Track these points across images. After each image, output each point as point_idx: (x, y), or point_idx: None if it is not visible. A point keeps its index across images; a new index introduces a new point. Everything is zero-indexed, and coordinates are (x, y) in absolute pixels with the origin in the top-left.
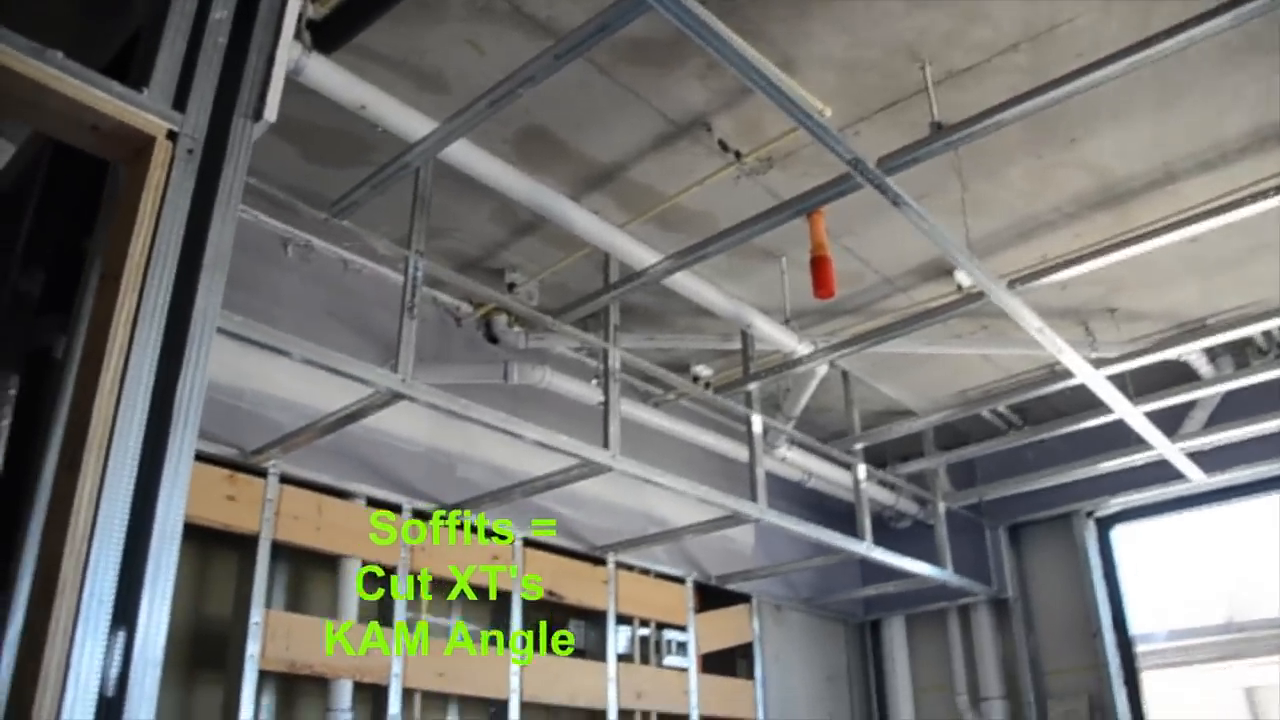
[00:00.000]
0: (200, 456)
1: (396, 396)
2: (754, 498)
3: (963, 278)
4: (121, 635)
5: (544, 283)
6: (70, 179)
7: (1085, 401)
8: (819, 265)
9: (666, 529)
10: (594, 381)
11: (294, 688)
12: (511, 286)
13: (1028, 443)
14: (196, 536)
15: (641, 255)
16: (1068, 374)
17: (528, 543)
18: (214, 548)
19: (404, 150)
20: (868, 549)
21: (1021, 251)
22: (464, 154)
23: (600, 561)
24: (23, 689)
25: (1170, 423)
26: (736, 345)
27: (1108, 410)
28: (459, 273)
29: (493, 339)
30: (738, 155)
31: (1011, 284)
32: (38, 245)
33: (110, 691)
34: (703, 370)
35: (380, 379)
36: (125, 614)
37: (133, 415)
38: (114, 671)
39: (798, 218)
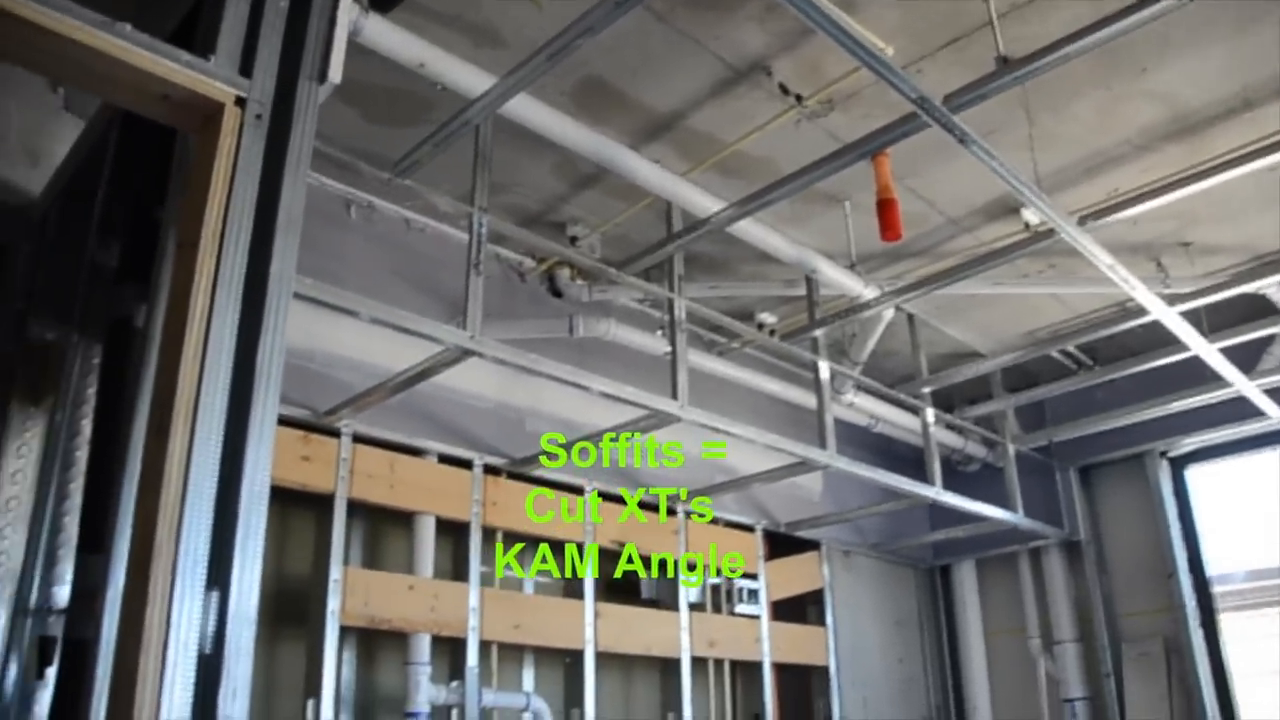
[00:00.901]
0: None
1: (466, 353)
2: (822, 444)
3: (1030, 216)
4: (216, 595)
5: (606, 235)
6: (140, 151)
7: (1158, 339)
8: (885, 208)
9: (735, 478)
10: (659, 332)
11: (374, 642)
12: (574, 240)
13: (1098, 383)
14: (274, 497)
15: (704, 203)
16: (1140, 311)
17: (599, 495)
18: (291, 508)
19: (464, 107)
20: (937, 493)
21: (1090, 188)
22: (524, 108)
23: (671, 512)
24: (126, 649)
25: (1247, 359)
26: (801, 291)
27: (1182, 348)
28: (525, 223)
29: (556, 293)
30: (799, 99)
31: (1082, 220)
32: (112, 218)
33: (208, 649)
34: (767, 318)
35: (449, 336)
36: (218, 574)
37: (217, 380)
38: (210, 630)
39: (862, 160)
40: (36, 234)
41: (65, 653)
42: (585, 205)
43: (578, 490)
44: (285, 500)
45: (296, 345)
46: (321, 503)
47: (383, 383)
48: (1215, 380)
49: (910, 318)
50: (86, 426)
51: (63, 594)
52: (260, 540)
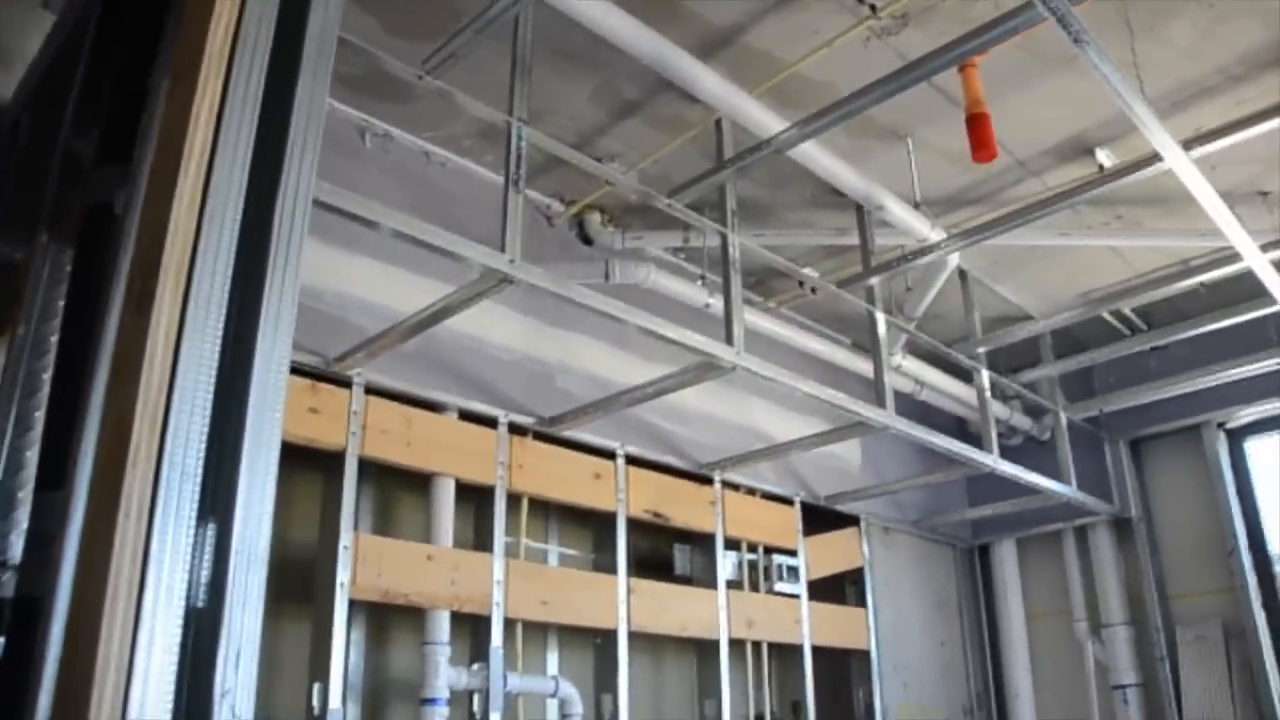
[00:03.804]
0: None
1: (503, 281)
2: (880, 402)
3: (1104, 157)
4: (213, 527)
5: (645, 173)
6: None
7: (1217, 301)
8: (977, 124)
9: (775, 444)
10: (699, 281)
11: (387, 619)
12: (609, 182)
13: (1153, 346)
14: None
15: (766, 121)
16: (1206, 268)
17: (631, 460)
18: (295, 467)
19: None
20: (995, 461)
21: (1172, 125)
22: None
23: (706, 480)
24: (85, 599)
25: None
26: (851, 241)
27: (1243, 310)
28: (551, 165)
29: (587, 240)
30: (873, 9)
31: (1188, 144)
32: (93, 97)
33: (201, 600)
34: (810, 272)
35: (485, 258)
36: (217, 497)
37: (220, 234)
38: (204, 574)
39: (949, 68)
40: (6, 142)
41: (16, 614)
42: (624, 138)
43: (609, 455)
44: (288, 458)
45: (304, 284)
46: (330, 461)
47: (400, 322)
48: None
49: (963, 274)
50: (55, 344)
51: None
52: (275, 453)
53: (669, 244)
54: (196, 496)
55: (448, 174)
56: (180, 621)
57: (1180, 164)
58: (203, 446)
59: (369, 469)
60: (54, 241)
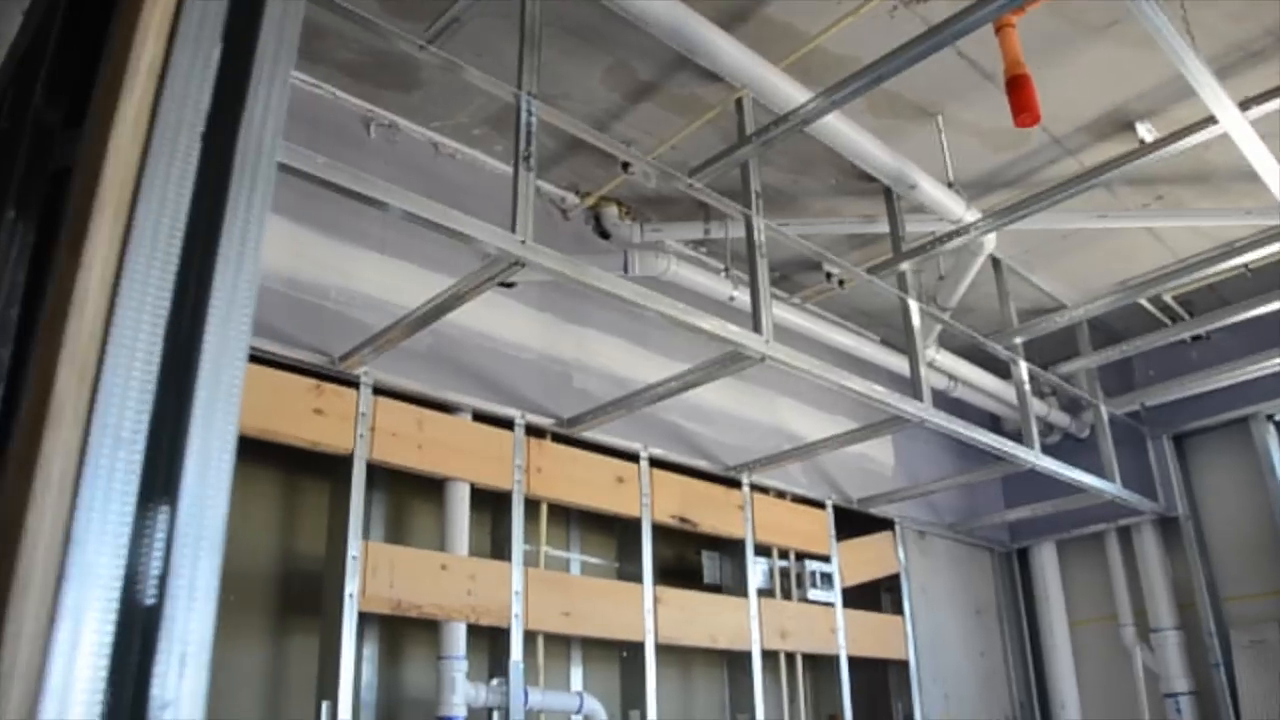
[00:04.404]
0: (281, 364)
1: (514, 265)
2: (917, 395)
3: (1145, 132)
4: (164, 510)
5: (662, 159)
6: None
7: (1263, 285)
8: (1018, 86)
9: (804, 444)
10: (722, 273)
11: (400, 632)
12: (625, 167)
13: (1194, 336)
14: (280, 458)
15: (792, 94)
16: (1250, 247)
17: (655, 463)
18: (301, 473)
19: None
20: (1036, 457)
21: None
22: None
23: (734, 484)
24: None
25: None
26: (879, 229)
27: None
28: (565, 153)
29: (603, 234)
30: None
31: (1244, 105)
32: (62, 67)
33: (147, 596)
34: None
35: (496, 239)
36: (162, 470)
37: (170, 159)
38: (148, 563)
39: (984, 28)
40: None
41: None
42: (640, 123)
43: (632, 457)
44: (294, 463)
45: (307, 279)
46: (337, 466)
47: (406, 315)
48: None
49: (996, 263)
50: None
51: None
52: (234, 419)
53: (690, 236)
54: (137, 469)
55: (458, 165)
56: (114, 621)
57: (1237, 126)
58: (146, 408)
59: (379, 475)
60: (21, 218)
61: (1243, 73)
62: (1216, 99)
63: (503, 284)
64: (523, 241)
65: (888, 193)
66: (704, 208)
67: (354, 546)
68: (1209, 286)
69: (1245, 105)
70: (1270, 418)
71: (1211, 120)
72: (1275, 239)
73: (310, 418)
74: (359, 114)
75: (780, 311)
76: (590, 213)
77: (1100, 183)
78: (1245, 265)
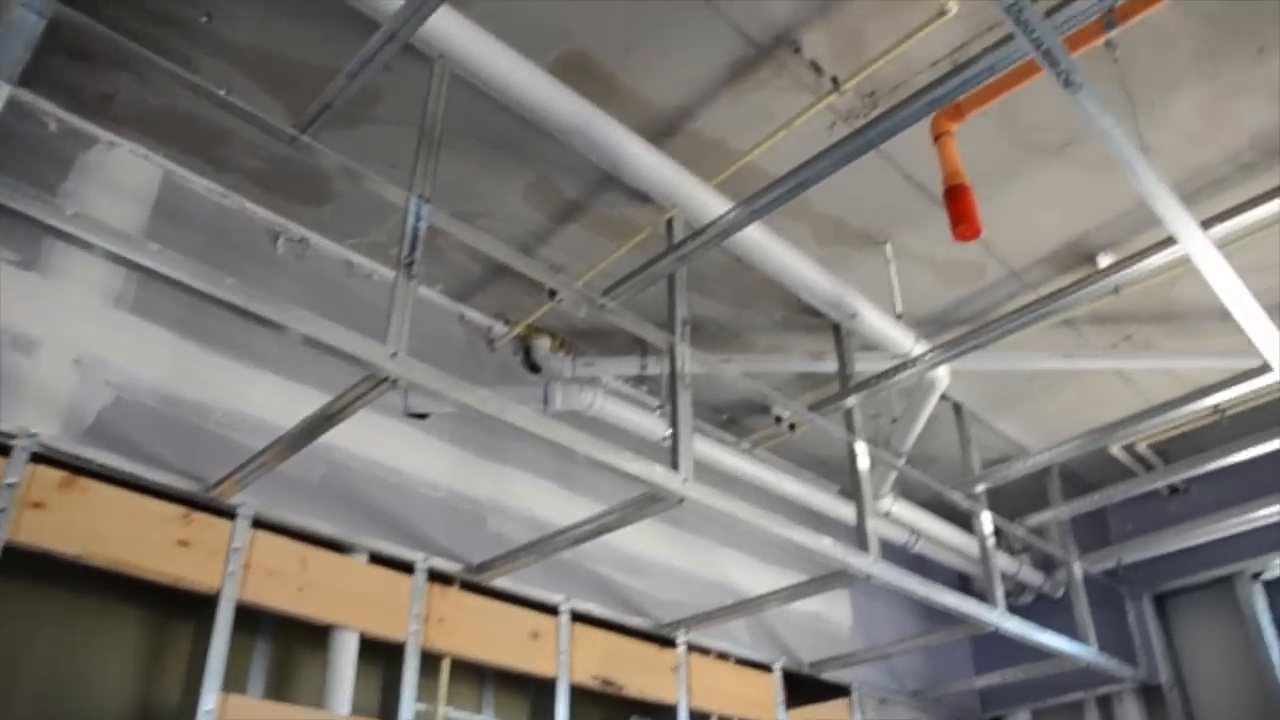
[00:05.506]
0: (146, 489)
1: (381, 382)
2: (863, 546)
3: (1106, 262)
4: None
5: (590, 286)
6: None
7: (1240, 431)
8: (956, 197)
9: (746, 599)
10: (657, 412)
11: None
12: (553, 294)
13: (1171, 488)
14: (145, 596)
15: (720, 211)
16: (1225, 386)
17: (577, 616)
18: (169, 613)
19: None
20: (1000, 617)
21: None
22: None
23: (668, 643)
24: None
25: None
26: (828, 367)
27: (1270, 436)
28: (491, 278)
29: (534, 367)
30: (835, 82)
31: (1207, 224)
32: None
33: None
34: (784, 413)
35: (363, 351)
36: None
37: None
38: None
39: (921, 120)
40: None
41: None
42: (567, 246)
43: (551, 610)
44: (160, 601)
45: (189, 397)
46: (203, 606)
47: (279, 439)
48: None
49: (958, 407)
50: None
51: None
52: None
53: (625, 371)
54: None
55: (374, 287)
56: None
57: (1201, 249)
58: None
59: (264, 619)
60: None
61: (1204, 201)
62: (1177, 218)
63: (415, 415)
64: (394, 354)
65: (836, 328)
66: (640, 342)
67: (209, 700)
68: (1183, 434)
69: (1208, 224)
70: (1256, 576)
71: (1172, 241)
72: (1247, 379)
73: (173, 550)
74: (265, 226)
75: (726, 456)
76: (520, 344)
77: (1055, 309)
78: (1220, 410)
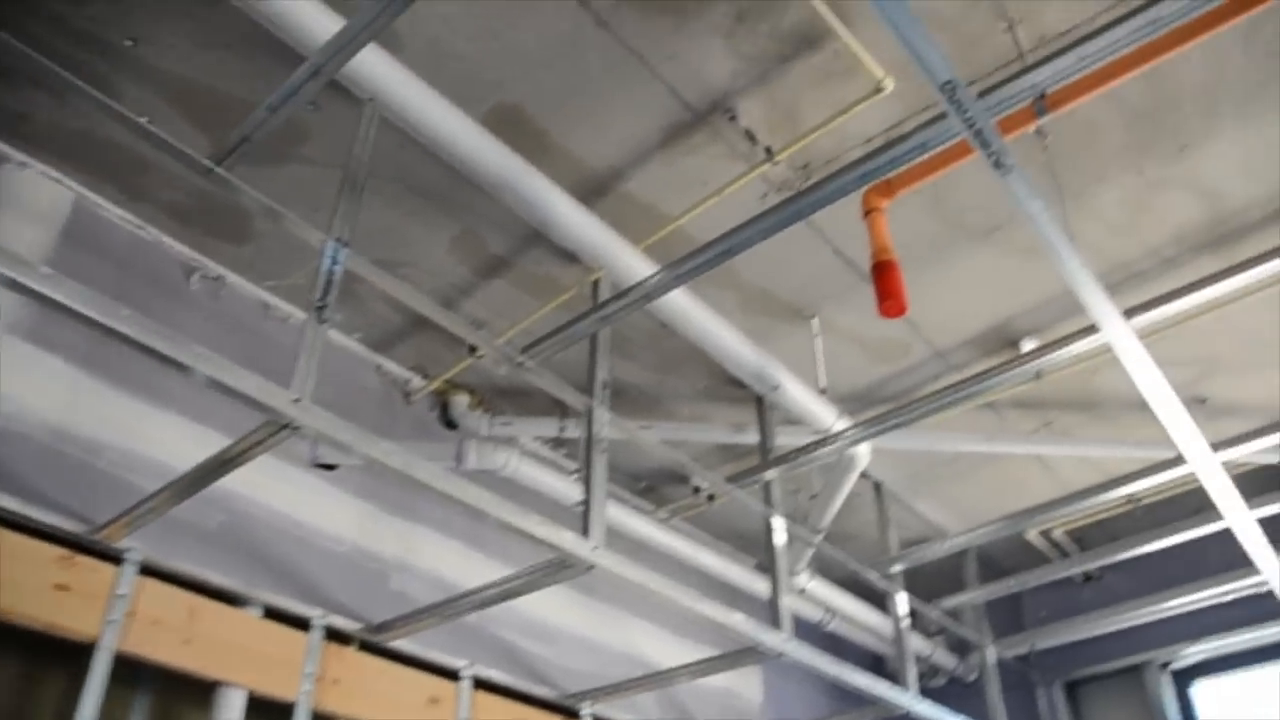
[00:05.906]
0: (22, 526)
1: (282, 428)
2: (776, 623)
3: (1029, 346)
4: None
5: (512, 344)
6: None
7: (1153, 520)
8: (883, 272)
9: (655, 672)
10: (573, 476)
11: None
12: (473, 350)
13: (1086, 575)
14: (21, 643)
15: (645, 274)
16: (1142, 475)
17: (479, 683)
18: (46, 662)
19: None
20: (912, 701)
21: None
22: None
23: (573, 714)
24: None
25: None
26: (751, 439)
27: (1183, 527)
28: (411, 331)
29: (450, 424)
30: (768, 152)
31: (1129, 313)
32: None
33: None
34: (702, 483)
35: (264, 394)
36: None
37: None
38: None
39: (851, 194)
40: None
41: None
42: (491, 302)
43: (452, 675)
44: (27, 648)
45: (81, 433)
46: (80, 655)
47: (173, 481)
48: (1227, 571)
49: (878, 487)
50: None
51: None
52: None
53: (543, 433)
54: None
55: (290, 330)
56: None
57: (1120, 335)
58: None
59: (146, 672)
60: None
61: (1126, 292)
62: (1100, 306)
63: (323, 465)
64: (297, 400)
65: (759, 400)
66: (560, 404)
67: None
68: (1098, 522)
69: (1130, 313)
70: (1164, 666)
71: (1094, 329)
72: (1162, 469)
73: (50, 594)
74: (181, 261)
75: (641, 525)
76: (437, 399)
77: (977, 391)
78: (1135, 500)
